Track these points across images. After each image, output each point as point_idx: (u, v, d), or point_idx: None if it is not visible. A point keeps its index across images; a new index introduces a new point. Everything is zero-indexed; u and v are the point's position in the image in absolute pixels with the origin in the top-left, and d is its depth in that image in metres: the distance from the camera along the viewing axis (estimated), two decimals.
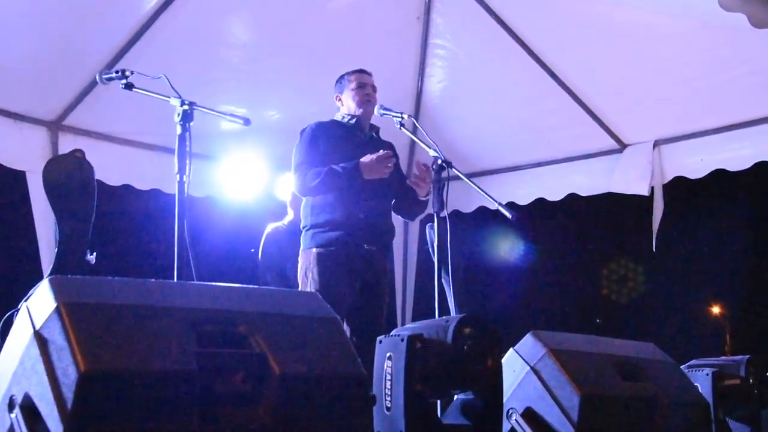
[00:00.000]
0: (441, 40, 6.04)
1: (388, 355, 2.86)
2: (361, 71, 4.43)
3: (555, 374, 3.23)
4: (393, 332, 3.00)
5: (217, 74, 5.59)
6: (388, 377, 2.84)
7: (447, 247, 3.99)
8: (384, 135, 4.54)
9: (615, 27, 5.26)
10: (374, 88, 4.42)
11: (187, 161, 3.30)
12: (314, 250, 4.16)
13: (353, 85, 4.38)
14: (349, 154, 4.22)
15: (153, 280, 2.42)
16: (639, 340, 3.89)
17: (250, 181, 6.18)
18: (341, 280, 4.13)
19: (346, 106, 4.41)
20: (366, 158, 4.13)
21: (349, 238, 4.16)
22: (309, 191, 4.23)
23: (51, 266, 3.88)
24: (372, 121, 4.47)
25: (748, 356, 3.80)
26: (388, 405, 2.85)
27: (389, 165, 4.16)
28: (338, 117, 4.45)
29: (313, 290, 4.02)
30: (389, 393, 2.84)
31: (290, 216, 5.41)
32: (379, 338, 2.98)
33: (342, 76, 4.46)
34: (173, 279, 3.18)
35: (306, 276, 4.17)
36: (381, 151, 4.17)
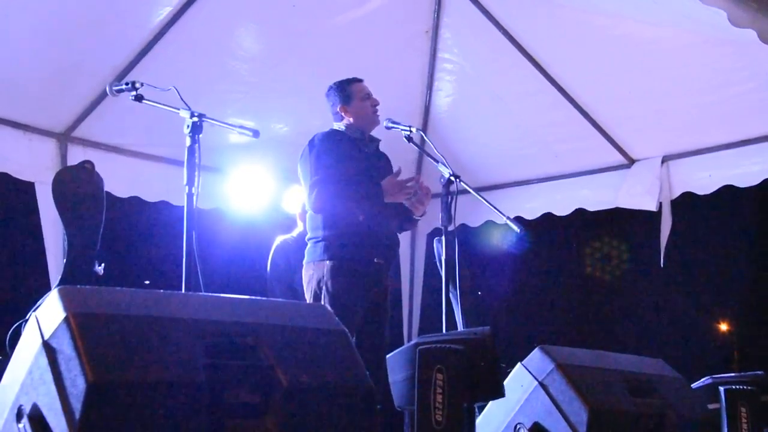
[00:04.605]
0: (449, 54, 6.05)
1: (438, 367, 2.82)
2: (361, 80, 4.34)
3: (563, 389, 3.22)
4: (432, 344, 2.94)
5: (225, 86, 5.61)
6: (439, 390, 2.80)
7: (455, 261, 3.97)
8: (390, 149, 4.50)
9: (623, 41, 5.26)
10: None
11: (196, 173, 3.31)
12: (328, 262, 4.07)
13: (361, 95, 4.28)
14: (359, 167, 4.15)
15: (161, 291, 2.42)
16: (647, 356, 3.87)
17: (258, 193, 6.18)
18: (356, 294, 4.07)
19: (354, 118, 4.27)
20: (387, 182, 4.07)
21: (362, 251, 4.10)
22: (326, 210, 4.11)
23: (59, 277, 3.89)
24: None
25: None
26: (438, 419, 2.80)
27: (409, 187, 4.08)
28: (341, 128, 4.30)
29: (327, 303, 3.98)
30: (440, 406, 2.79)
31: (299, 228, 5.40)
32: (419, 348, 2.92)
33: (341, 86, 4.31)
34: (181, 290, 3.18)
35: (319, 288, 4.08)
36: (398, 168, 4.09)
